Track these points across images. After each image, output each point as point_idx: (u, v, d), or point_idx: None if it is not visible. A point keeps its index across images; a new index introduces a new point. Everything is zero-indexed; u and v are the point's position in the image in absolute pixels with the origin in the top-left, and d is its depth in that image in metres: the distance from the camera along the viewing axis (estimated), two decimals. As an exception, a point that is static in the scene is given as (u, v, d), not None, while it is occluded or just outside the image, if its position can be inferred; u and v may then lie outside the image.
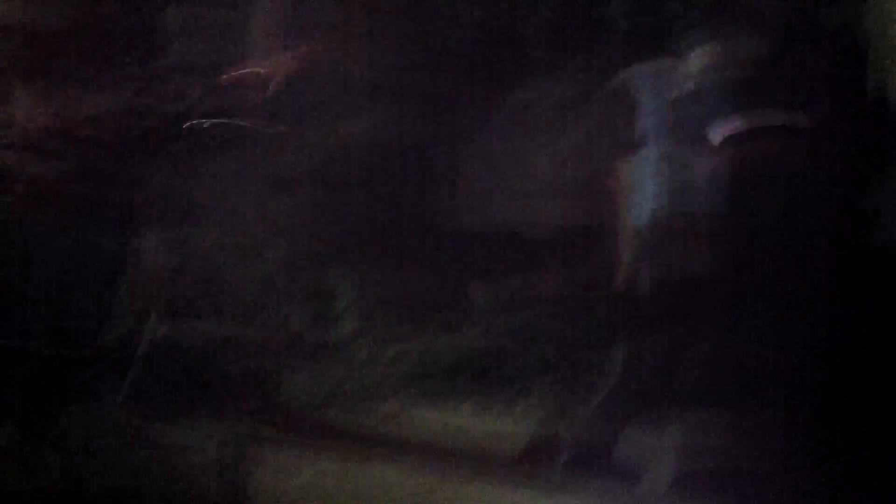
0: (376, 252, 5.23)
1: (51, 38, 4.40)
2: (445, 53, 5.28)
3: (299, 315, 4.98)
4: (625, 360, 4.24)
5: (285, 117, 5.03)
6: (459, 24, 5.25)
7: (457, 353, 5.06)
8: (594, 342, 4.34)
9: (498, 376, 5.00)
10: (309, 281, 5.07)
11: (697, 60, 4.34)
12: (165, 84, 4.58)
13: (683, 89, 4.35)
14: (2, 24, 4.45)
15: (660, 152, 4.23)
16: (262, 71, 4.25)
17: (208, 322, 4.70)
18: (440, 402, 4.94)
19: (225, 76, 4.23)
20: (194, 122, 4.35)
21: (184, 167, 4.66)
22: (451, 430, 4.71)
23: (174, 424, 4.25)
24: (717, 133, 4.16)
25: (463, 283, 5.21)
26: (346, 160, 5.25)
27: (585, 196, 4.40)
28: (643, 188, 4.26)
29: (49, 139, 4.32)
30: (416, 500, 4.18)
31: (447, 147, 5.38)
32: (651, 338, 4.19)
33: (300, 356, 4.86)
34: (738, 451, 4.09)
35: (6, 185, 4.31)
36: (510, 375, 5.01)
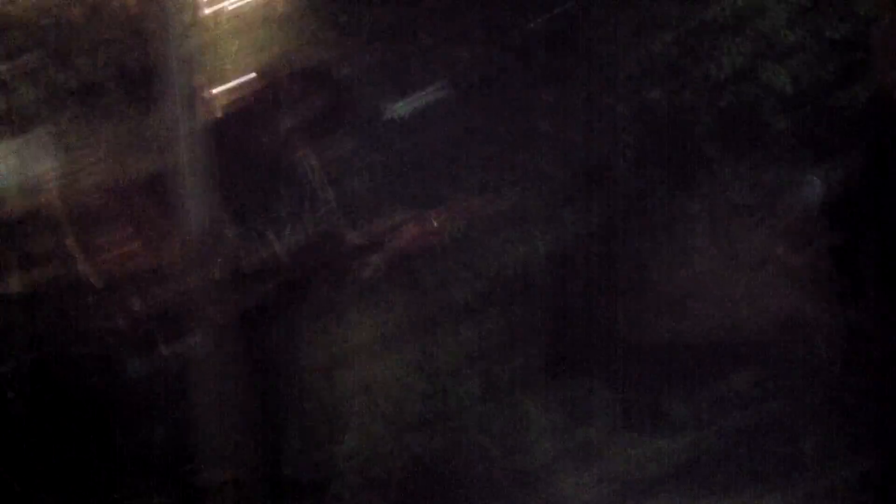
0: (565, 370, 5.17)
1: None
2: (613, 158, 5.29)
3: (496, 442, 4.91)
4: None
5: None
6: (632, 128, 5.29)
7: (663, 469, 4.94)
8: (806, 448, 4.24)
9: (710, 493, 4.88)
10: (502, 406, 5.01)
11: None
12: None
13: None
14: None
15: None
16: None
17: (402, 455, 4.68)
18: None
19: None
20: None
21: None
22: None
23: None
24: None
25: (659, 395, 5.13)
26: (526, 281, 5.25)
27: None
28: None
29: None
30: None
31: (630, 255, 5.33)
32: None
33: (502, 486, 4.79)
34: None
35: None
36: (723, 489, 4.89)
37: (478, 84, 5.33)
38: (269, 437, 4.32)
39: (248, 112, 4.39)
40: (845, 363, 4.70)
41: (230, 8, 5.32)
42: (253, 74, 4.80)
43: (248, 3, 5.38)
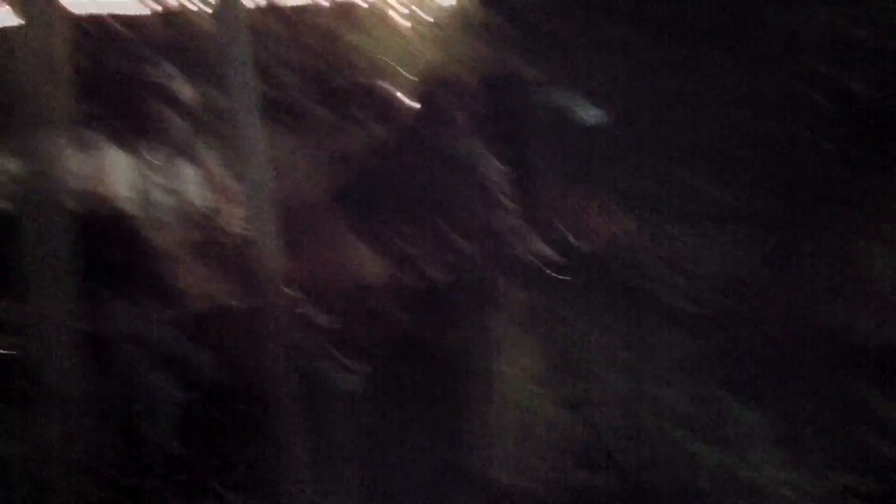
0: (776, 380, 5.07)
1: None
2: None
3: (714, 452, 4.88)
4: None
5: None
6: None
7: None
8: None
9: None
10: (718, 416, 4.97)
11: None
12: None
13: None
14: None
15: None
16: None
17: (617, 467, 4.71)
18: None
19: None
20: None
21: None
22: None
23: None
24: None
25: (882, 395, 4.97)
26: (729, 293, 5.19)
27: None
28: None
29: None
30: None
31: (843, 252, 5.25)
32: None
33: (723, 496, 4.75)
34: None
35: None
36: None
37: (672, 80, 5.29)
38: (479, 444, 4.36)
39: (443, 118, 4.45)
40: None
41: (426, 16, 5.45)
42: (448, 79, 4.85)
43: (443, 10, 5.50)
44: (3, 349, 3.95)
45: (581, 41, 5.31)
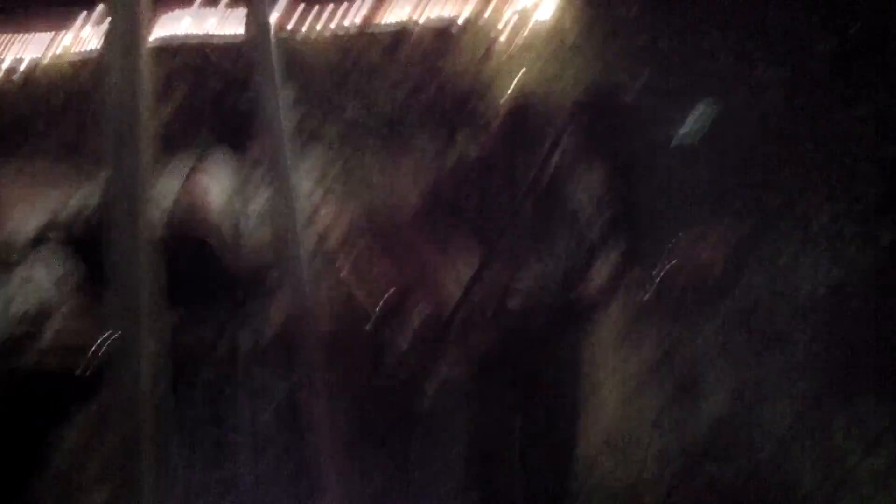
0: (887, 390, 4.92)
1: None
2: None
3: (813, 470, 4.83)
4: None
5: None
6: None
7: None
8: None
9: None
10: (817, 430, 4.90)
11: None
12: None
13: None
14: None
15: None
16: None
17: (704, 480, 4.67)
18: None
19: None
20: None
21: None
22: None
23: None
24: None
25: None
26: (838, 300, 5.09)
27: None
28: None
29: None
30: None
31: None
32: None
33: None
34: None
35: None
36: None
37: (778, 96, 5.22)
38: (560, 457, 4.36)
39: (533, 138, 4.46)
40: None
41: (522, 38, 5.49)
42: (539, 100, 4.88)
43: (539, 31, 5.53)
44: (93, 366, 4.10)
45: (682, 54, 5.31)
